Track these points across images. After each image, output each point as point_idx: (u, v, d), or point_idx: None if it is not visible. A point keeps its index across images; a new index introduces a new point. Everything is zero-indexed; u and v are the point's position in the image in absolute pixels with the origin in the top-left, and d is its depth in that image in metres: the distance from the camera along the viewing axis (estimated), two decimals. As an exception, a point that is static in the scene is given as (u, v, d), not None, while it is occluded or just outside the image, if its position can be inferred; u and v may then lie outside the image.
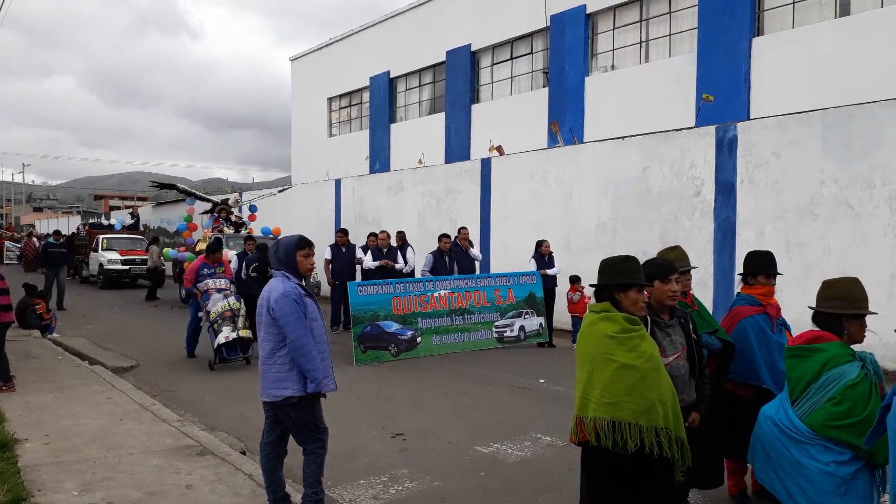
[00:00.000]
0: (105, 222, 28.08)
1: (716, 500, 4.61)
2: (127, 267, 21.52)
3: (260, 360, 4.14)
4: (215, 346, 9.16)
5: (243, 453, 5.56)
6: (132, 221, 27.35)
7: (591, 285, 3.58)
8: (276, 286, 4.05)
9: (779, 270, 4.59)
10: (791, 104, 11.95)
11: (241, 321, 9.37)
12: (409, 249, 12.58)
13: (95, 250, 22.41)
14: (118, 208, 51.40)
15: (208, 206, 18.36)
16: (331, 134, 27.77)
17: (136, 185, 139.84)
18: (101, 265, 21.59)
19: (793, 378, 3.11)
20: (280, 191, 21.15)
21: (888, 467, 2.70)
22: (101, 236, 22.93)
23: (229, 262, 11.26)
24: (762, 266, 4.46)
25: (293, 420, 4.09)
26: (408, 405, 7.31)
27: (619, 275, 3.32)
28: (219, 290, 9.57)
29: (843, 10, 13.22)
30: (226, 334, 9.09)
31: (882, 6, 12.54)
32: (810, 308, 3.58)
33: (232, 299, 9.55)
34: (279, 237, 5.01)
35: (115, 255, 21.66)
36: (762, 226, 10.02)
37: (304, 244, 4.16)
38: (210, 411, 7.11)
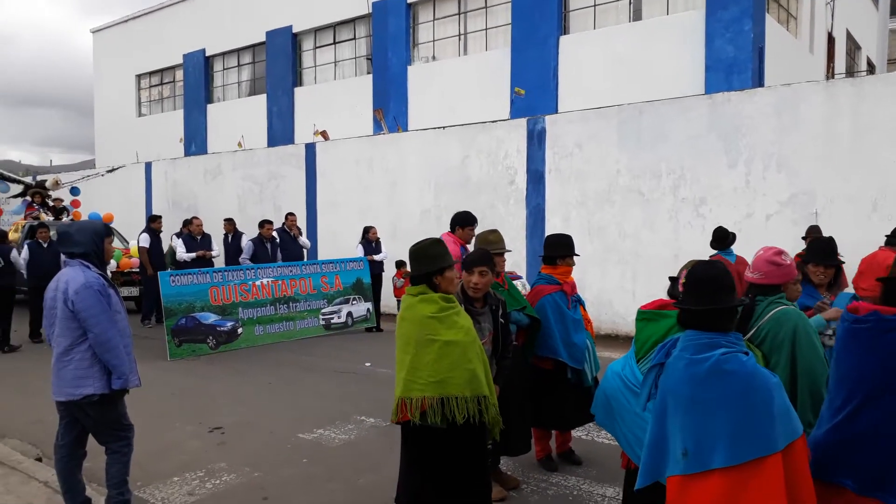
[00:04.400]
0: None
1: (524, 465, 4.99)
2: None
3: (54, 357, 3.82)
4: None
5: (39, 460, 5.11)
6: None
7: (407, 273, 3.71)
8: (75, 276, 3.76)
9: (579, 252, 5.04)
10: (593, 99, 13.01)
11: None
12: (243, 237, 11.95)
13: None
14: None
15: (19, 188, 16.00)
16: (140, 114, 25.78)
17: None
18: None
19: (640, 339, 3.33)
20: (109, 171, 18.84)
21: None
22: None
23: None
24: (560, 249, 4.88)
25: (94, 420, 3.85)
26: (227, 398, 7.07)
27: (434, 260, 3.47)
28: None
29: (636, 15, 14.61)
30: None
31: (668, 14, 14.03)
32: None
33: None
34: (72, 223, 4.64)
35: None
36: (567, 212, 10.85)
37: (108, 231, 4.04)
38: (-1, 418, 6.40)
